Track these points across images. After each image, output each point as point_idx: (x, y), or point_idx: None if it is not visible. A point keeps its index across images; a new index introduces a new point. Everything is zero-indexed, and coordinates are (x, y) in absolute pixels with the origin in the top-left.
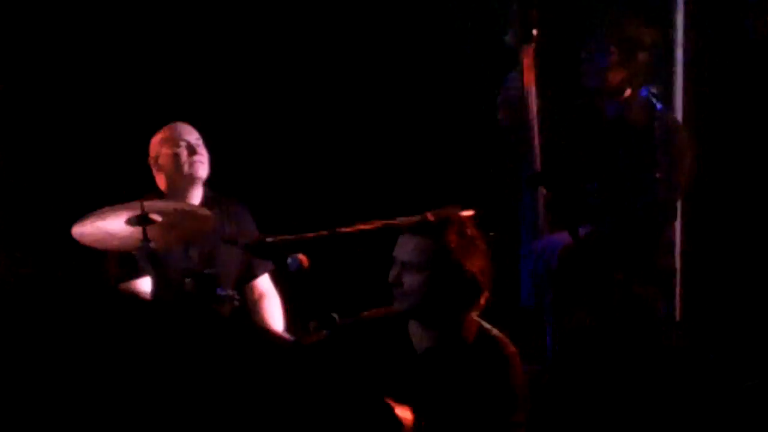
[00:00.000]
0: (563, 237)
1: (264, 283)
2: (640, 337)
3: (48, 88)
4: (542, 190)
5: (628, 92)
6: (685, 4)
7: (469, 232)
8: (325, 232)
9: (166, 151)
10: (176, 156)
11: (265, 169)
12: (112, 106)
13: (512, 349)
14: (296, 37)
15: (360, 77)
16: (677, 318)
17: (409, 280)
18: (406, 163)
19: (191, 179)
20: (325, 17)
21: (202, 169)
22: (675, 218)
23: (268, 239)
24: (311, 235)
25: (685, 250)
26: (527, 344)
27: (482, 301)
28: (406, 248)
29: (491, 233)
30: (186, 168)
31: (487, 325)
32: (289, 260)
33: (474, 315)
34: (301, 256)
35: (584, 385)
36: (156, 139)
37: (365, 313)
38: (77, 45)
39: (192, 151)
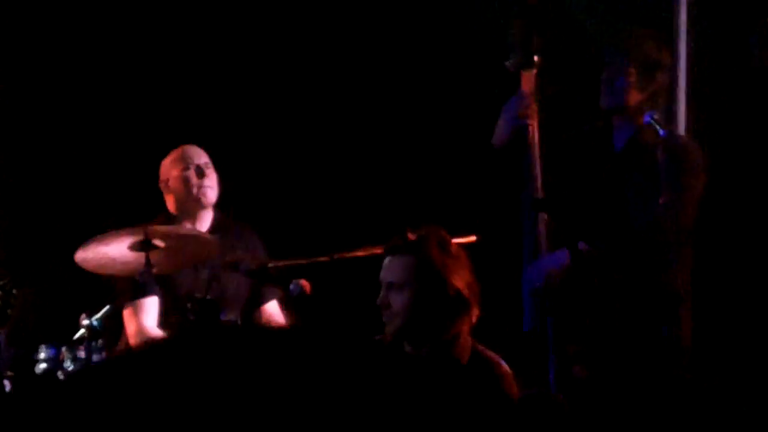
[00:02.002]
0: (562, 255)
1: (272, 309)
2: (643, 363)
3: (56, 110)
4: (544, 216)
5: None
6: (688, 33)
7: (450, 247)
8: (324, 258)
9: (175, 173)
10: (185, 178)
11: (270, 192)
12: (123, 129)
13: (506, 369)
14: (301, 68)
15: (360, 101)
16: (685, 344)
17: (396, 299)
18: (409, 187)
19: (200, 204)
20: (326, 47)
21: (212, 194)
22: (685, 243)
23: (270, 265)
24: (311, 260)
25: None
26: (530, 370)
27: (473, 318)
28: (390, 269)
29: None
30: (195, 191)
31: (481, 347)
32: (291, 286)
33: (466, 334)
34: (304, 282)
35: (588, 413)
36: (166, 162)
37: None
38: (88, 63)
39: (201, 173)
